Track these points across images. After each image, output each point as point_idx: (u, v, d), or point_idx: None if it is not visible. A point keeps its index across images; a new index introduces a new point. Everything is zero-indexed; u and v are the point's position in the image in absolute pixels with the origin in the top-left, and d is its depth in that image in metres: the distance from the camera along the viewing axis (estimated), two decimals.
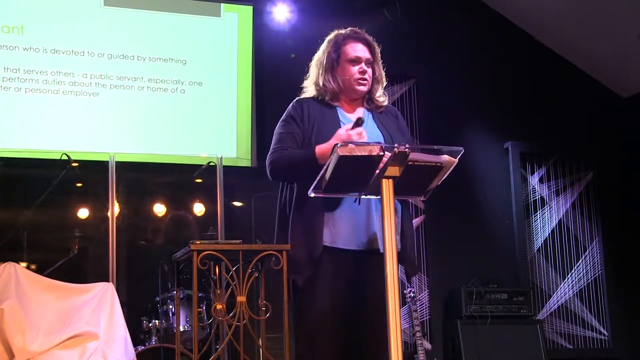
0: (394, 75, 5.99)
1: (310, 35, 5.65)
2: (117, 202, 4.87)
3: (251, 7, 5.57)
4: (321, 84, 2.99)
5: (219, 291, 2.71)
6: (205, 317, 4.56)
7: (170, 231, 5.59)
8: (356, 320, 2.87)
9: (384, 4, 5.86)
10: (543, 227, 6.08)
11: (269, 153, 2.92)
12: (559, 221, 6.11)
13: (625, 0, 5.60)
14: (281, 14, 5.70)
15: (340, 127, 2.89)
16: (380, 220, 2.81)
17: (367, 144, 2.57)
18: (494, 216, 6.03)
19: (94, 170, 5.01)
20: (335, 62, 2.99)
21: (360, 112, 3.00)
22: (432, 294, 5.72)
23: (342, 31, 3.06)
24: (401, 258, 2.89)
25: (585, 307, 6.02)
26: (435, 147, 2.59)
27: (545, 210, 6.11)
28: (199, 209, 5.86)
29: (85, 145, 5.03)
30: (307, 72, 3.08)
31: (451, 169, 2.62)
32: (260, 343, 2.85)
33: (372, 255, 2.81)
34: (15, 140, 4.99)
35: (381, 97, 3.04)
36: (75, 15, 5.22)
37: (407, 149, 2.51)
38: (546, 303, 5.94)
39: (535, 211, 6.10)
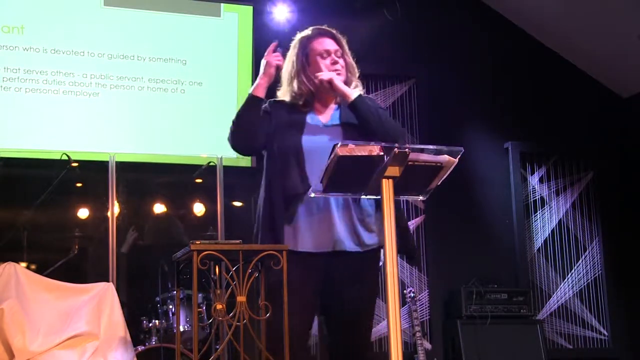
0: (394, 75, 6.00)
1: None
2: (117, 202, 4.87)
3: (251, 7, 5.57)
4: (295, 87, 2.98)
5: (218, 291, 2.71)
6: (205, 317, 4.56)
7: (162, 232, 5.60)
8: (328, 324, 2.90)
9: (384, 4, 5.86)
10: (543, 227, 6.08)
11: None
12: (559, 221, 6.11)
13: (625, 0, 5.60)
14: (281, 14, 5.70)
15: (303, 130, 2.91)
16: (344, 218, 2.82)
17: (368, 144, 2.57)
18: (494, 216, 6.03)
19: (94, 170, 5.01)
20: (306, 62, 2.98)
21: (332, 108, 3.00)
22: (432, 294, 5.72)
23: (304, 33, 3.07)
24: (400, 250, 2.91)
25: (585, 307, 6.02)
26: (435, 147, 2.59)
27: (545, 210, 6.11)
28: (199, 209, 5.86)
29: (85, 145, 5.03)
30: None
31: (451, 169, 2.62)
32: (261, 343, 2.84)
33: (339, 257, 2.81)
34: (15, 140, 4.99)
35: (357, 89, 3.02)
36: (75, 15, 5.22)
37: (407, 149, 2.51)
38: (546, 303, 5.94)
39: (535, 211, 6.10)
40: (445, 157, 2.58)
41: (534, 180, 6.14)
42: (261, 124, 2.92)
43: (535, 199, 6.12)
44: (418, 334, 5.16)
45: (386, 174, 2.53)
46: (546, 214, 6.11)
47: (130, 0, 5.34)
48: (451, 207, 5.75)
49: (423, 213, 5.85)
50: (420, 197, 2.75)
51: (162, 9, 5.42)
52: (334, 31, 3.05)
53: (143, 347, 4.41)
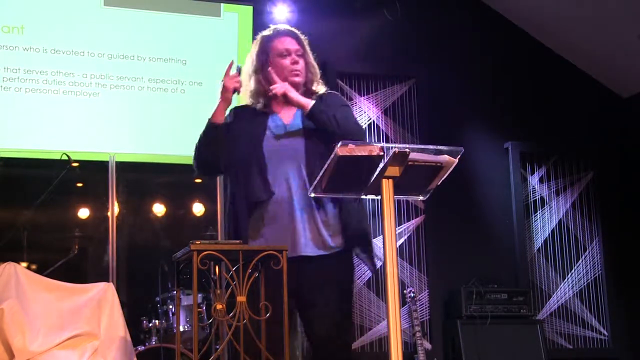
0: (394, 75, 6.00)
1: (310, 35, 5.68)
2: (117, 202, 4.88)
3: (251, 7, 5.57)
4: (253, 86, 2.97)
5: (218, 291, 2.71)
6: (205, 317, 4.56)
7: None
8: (306, 331, 2.89)
9: (384, 4, 5.86)
10: (543, 227, 6.08)
11: None
12: (559, 221, 6.11)
13: (625, 0, 5.60)
14: (281, 14, 5.70)
15: (264, 135, 2.90)
16: (308, 222, 2.81)
17: (368, 144, 2.57)
18: (494, 216, 6.03)
19: (94, 170, 5.02)
20: (265, 62, 2.97)
21: (293, 107, 2.95)
22: (432, 294, 5.72)
23: (266, 31, 3.06)
24: (346, 256, 2.88)
25: (585, 307, 6.02)
26: (435, 147, 2.59)
27: (545, 210, 6.11)
28: (198, 209, 5.87)
29: (85, 145, 5.03)
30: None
31: (451, 169, 2.62)
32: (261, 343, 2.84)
33: (305, 262, 2.79)
34: (15, 140, 4.98)
35: (319, 87, 3.01)
36: (75, 15, 5.22)
37: (407, 149, 2.51)
38: (546, 303, 5.93)
39: (535, 211, 6.09)
40: (445, 157, 2.58)
41: (534, 180, 6.14)
42: (222, 148, 2.93)
43: (535, 199, 6.11)
44: (418, 334, 5.16)
45: (386, 174, 2.54)
46: (546, 214, 6.11)
47: (130, 0, 5.34)
48: (451, 207, 5.75)
49: (423, 213, 5.85)
50: (420, 197, 2.76)
51: (162, 9, 5.42)
52: (296, 31, 3.04)
53: (143, 347, 4.42)
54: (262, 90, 2.96)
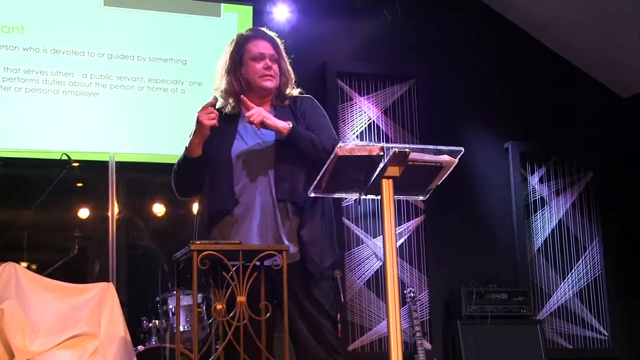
0: (394, 75, 6.00)
1: (310, 35, 5.70)
2: (117, 202, 4.88)
3: (251, 7, 5.57)
4: (224, 87, 2.96)
5: (217, 291, 2.71)
6: (205, 317, 4.56)
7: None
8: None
9: (384, 4, 5.86)
10: (543, 227, 6.08)
11: None
12: (559, 221, 6.11)
13: (625, 0, 5.60)
14: (281, 14, 5.70)
15: (234, 142, 2.89)
16: (270, 231, 2.80)
17: (368, 144, 2.57)
18: (494, 216, 6.03)
19: (94, 170, 5.02)
20: (238, 63, 2.95)
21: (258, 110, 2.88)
22: (432, 294, 5.72)
23: (244, 32, 3.04)
24: (304, 267, 2.82)
25: (585, 307, 6.02)
26: (435, 147, 2.59)
27: (545, 210, 6.11)
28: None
29: (85, 145, 5.03)
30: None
31: (451, 169, 2.62)
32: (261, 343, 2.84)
33: (265, 272, 2.73)
34: (15, 140, 4.98)
35: (292, 91, 3.00)
36: (75, 15, 5.22)
37: (407, 149, 2.51)
38: (546, 303, 5.94)
39: (535, 211, 6.09)
40: (445, 157, 2.58)
41: (534, 180, 6.14)
42: (200, 177, 2.94)
43: (535, 199, 6.12)
44: (418, 334, 5.16)
45: (386, 174, 2.53)
46: (546, 214, 6.11)
47: (130, 0, 5.34)
48: (451, 207, 5.75)
49: (423, 213, 5.85)
50: (420, 197, 2.76)
51: (162, 9, 5.41)
52: (273, 35, 3.02)
53: (143, 347, 4.42)
54: (233, 90, 2.95)
